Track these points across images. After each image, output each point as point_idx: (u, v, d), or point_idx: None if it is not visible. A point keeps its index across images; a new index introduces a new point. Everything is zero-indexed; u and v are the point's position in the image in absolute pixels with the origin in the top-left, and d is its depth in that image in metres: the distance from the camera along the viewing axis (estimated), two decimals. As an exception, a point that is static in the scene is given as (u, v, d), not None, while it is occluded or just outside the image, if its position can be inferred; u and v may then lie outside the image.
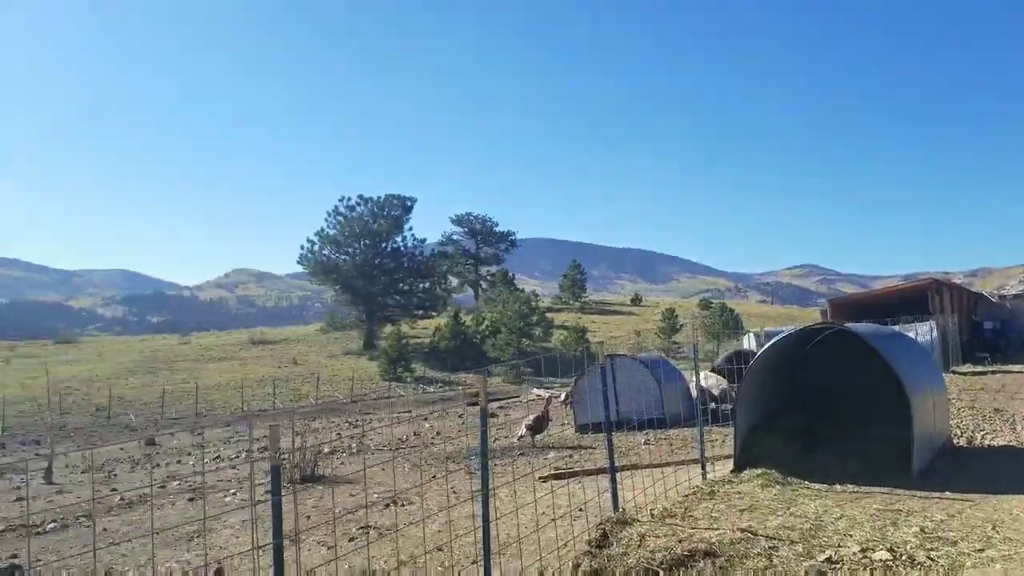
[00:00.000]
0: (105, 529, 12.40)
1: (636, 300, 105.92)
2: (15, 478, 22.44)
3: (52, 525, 13.37)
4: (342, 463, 17.97)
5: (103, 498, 15.76)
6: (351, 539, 10.05)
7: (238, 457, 22.00)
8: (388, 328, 67.93)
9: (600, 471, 12.52)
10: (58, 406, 35.74)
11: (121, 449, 25.94)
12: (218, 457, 22.45)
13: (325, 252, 71.69)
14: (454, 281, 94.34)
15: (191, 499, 14.20)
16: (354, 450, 20.34)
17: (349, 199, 72.70)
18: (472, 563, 8.06)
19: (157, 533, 11.48)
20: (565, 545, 8.08)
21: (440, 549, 8.67)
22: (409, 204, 74.39)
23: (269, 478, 5.72)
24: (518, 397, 38.95)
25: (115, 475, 20.70)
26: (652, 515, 8.65)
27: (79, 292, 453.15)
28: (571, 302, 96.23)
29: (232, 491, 14.91)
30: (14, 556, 11.05)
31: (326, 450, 19.65)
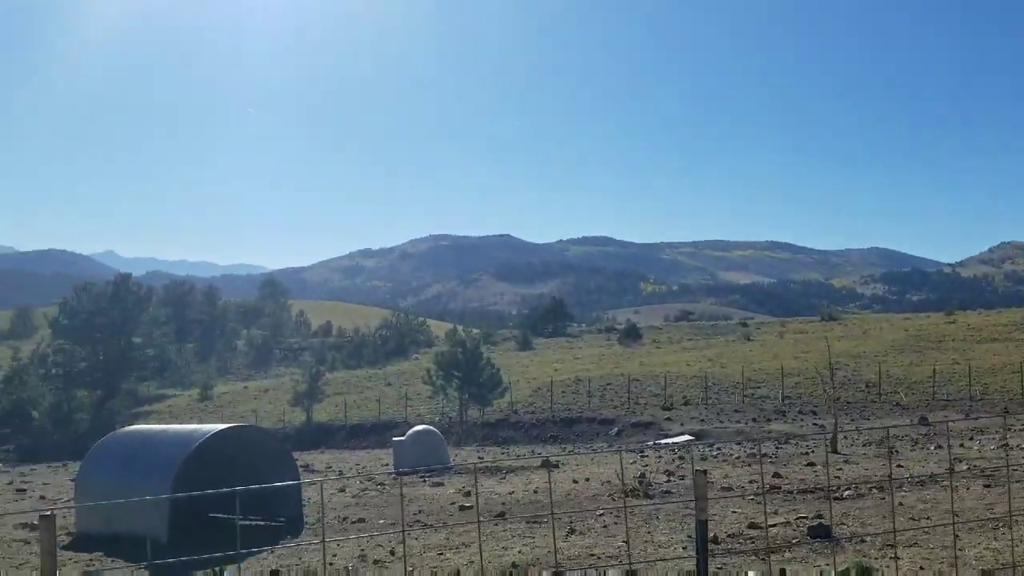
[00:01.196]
0: (901, 503, 12.62)
1: None
2: (803, 444, 24.57)
3: (848, 492, 14.20)
4: None
5: (891, 474, 16.09)
6: None
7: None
8: None
9: None
10: (830, 380, 37.83)
11: (894, 426, 26.16)
12: (1005, 444, 20.93)
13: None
14: None
15: (987, 485, 13.51)
16: None
17: None
18: None
19: (956, 516, 11.21)
20: None
21: None
22: None
23: None
24: None
25: (897, 451, 20.98)
26: None
27: (838, 272, 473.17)
28: None
29: (1033, 482, 13.71)
30: (819, 516, 12.05)
31: None
